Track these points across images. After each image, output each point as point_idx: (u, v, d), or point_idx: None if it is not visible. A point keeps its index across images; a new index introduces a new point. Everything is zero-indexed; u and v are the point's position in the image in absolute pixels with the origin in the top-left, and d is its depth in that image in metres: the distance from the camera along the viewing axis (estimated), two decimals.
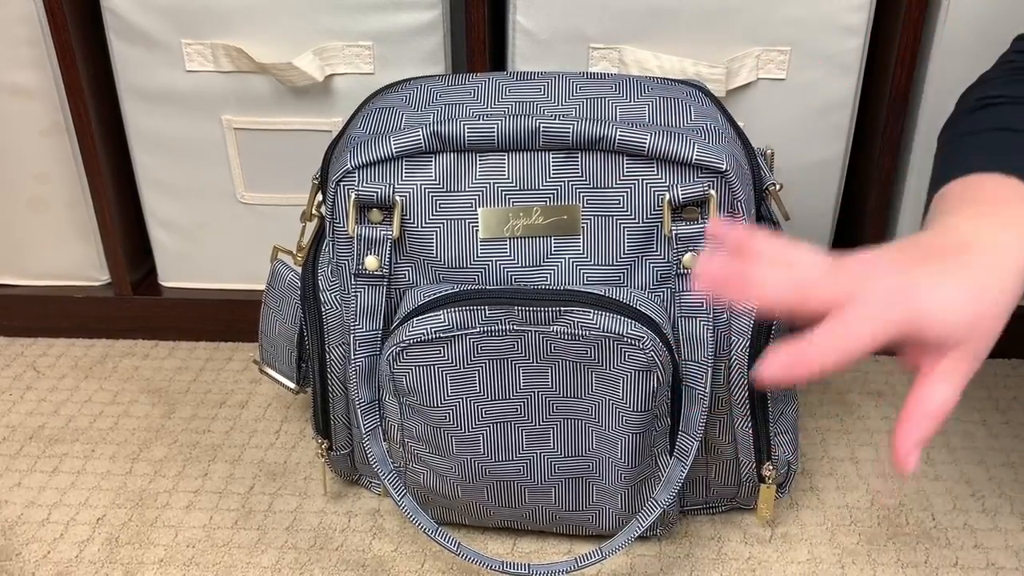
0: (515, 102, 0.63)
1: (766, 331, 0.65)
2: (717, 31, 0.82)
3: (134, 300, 0.98)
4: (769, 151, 0.71)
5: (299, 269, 0.71)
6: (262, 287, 0.78)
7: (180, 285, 0.99)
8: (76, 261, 0.99)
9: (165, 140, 0.91)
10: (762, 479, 0.70)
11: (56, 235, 0.97)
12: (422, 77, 0.70)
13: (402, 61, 0.85)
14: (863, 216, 0.92)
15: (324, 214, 0.66)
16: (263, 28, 0.84)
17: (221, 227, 0.95)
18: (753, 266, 0.46)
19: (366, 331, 0.65)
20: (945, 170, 0.56)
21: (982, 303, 0.45)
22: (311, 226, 0.71)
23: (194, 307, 0.98)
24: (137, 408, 0.89)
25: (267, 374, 0.80)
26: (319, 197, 0.69)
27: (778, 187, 0.66)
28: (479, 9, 0.83)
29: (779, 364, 0.43)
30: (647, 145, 0.60)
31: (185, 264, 0.98)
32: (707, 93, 0.67)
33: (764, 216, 0.68)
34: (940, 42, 0.83)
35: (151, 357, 0.97)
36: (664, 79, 0.67)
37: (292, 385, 0.78)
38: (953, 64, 0.83)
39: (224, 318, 0.98)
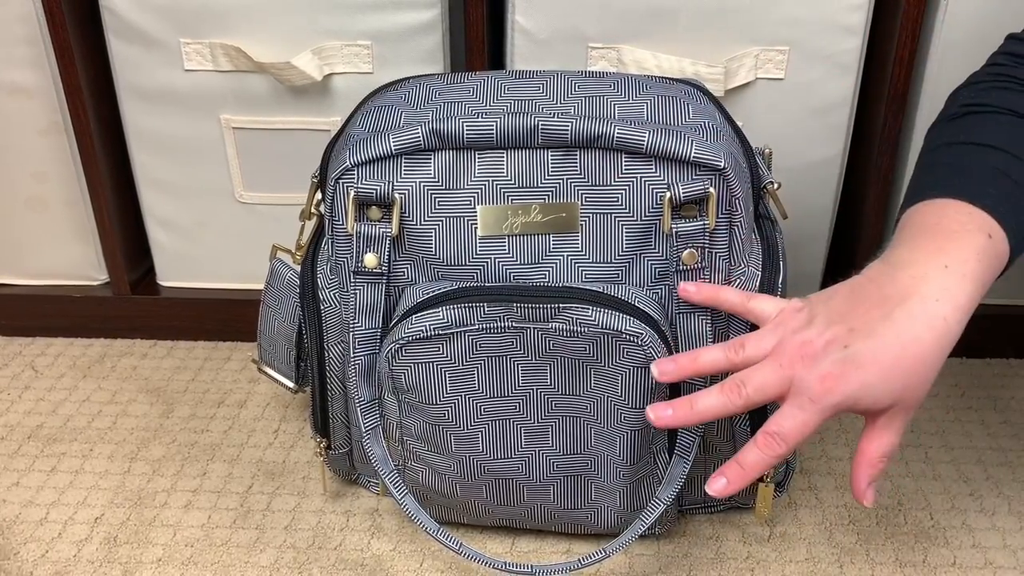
0: (513, 100, 0.63)
1: None
2: (716, 31, 0.82)
3: (132, 300, 0.98)
4: (768, 150, 0.71)
5: (298, 268, 0.71)
6: (261, 286, 0.78)
7: (179, 284, 0.99)
8: (74, 260, 0.99)
9: (164, 139, 0.90)
10: (760, 478, 0.70)
11: (54, 234, 0.97)
12: (421, 76, 0.70)
13: (401, 60, 0.85)
14: (861, 215, 0.92)
15: (323, 212, 0.66)
16: (262, 27, 0.84)
17: (220, 226, 0.95)
18: (696, 397, 0.56)
19: (365, 329, 0.65)
20: (918, 187, 0.60)
21: (907, 373, 0.52)
22: (310, 224, 0.71)
23: (192, 306, 0.98)
24: (135, 407, 0.89)
25: (265, 373, 0.80)
26: (318, 195, 0.69)
27: (776, 186, 0.66)
28: (477, 8, 0.84)
29: (723, 477, 0.55)
30: (646, 143, 0.60)
31: (184, 263, 0.98)
32: (705, 92, 0.67)
33: (762, 215, 0.68)
34: (939, 41, 0.83)
35: (149, 356, 0.97)
36: (662, 78, 0.67)
37: (291, 384, 0.78)
38: (951, 63, 0.83)
39: (222, 317, 0.97)
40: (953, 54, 0.83)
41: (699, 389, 0.58)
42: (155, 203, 0.94)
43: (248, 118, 0.88)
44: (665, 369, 0.58)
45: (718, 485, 0.55)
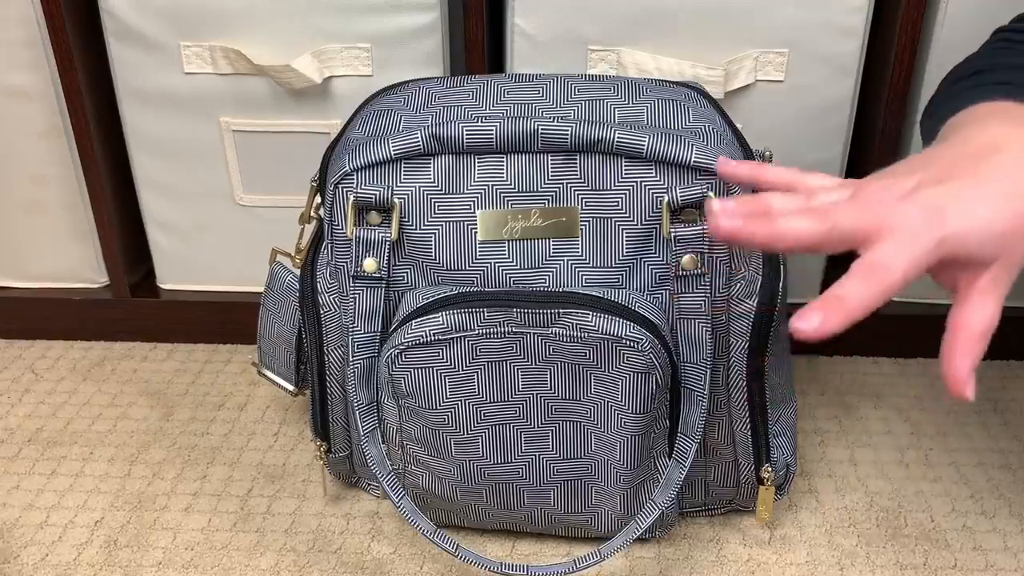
0: (513, 104, 0.63)
1: (764, 333, 0.65)
2: (715, 33, 0.82)
3: (132, 302, 0.98)
4: (768, 153, 0.71)
5: (297, 271, 0.71)
6: (260, 289, 0.78)
7: (178, 287, 0.99)
8: (74, 263, 0.98)
9: (163, 142, 0.90)
10: (761, 481, 0.70)
11: (54, 237, 0.97)
12: (420, 79, 0.70)
13: (400, 63, 0.85)
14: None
15: (322, 216, 0.65)
16: (261, 30, 0.84)
17: (219, 229, 0.95)
18: (772, 202, 0.44)
19: (364, 333, 0.65)
20: (950, 107, 0.53)
21: (1013, 213, 0.43)
22: (309, 228, 0.71)
23: (192, 309, 0.98)
24: (135, 410, 0.89)
25: (265, 376, 0.80)
26: (317, 199, 0.68)
27: None
28: (477, 11, 0.83)
29: (818, 313, 0.41)
30: (645, 147, 0.60)
31: (183, 266, 0.97)
32: (705, 95, 0.67)
33: None
34: (938, 43, 0.83)
35: (149, 359, 0.97)
36: (662, 81, 0.67)
37: (290, 387, 0.78)
38: (951, 65, 0.83)
39: (222, 320, 0.97)
40: (952, 55, 0.82)
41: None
42: (155, 206, 0.94)
43: (248, 121, 0.88)
44: (732, 170, 0.48)
45: (811, 322, 0.40)
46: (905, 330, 0.94)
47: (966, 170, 0.44)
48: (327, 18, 0.83)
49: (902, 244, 0.42)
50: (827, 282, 0.97)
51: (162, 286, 0.99)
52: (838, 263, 0.97)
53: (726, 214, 0.43)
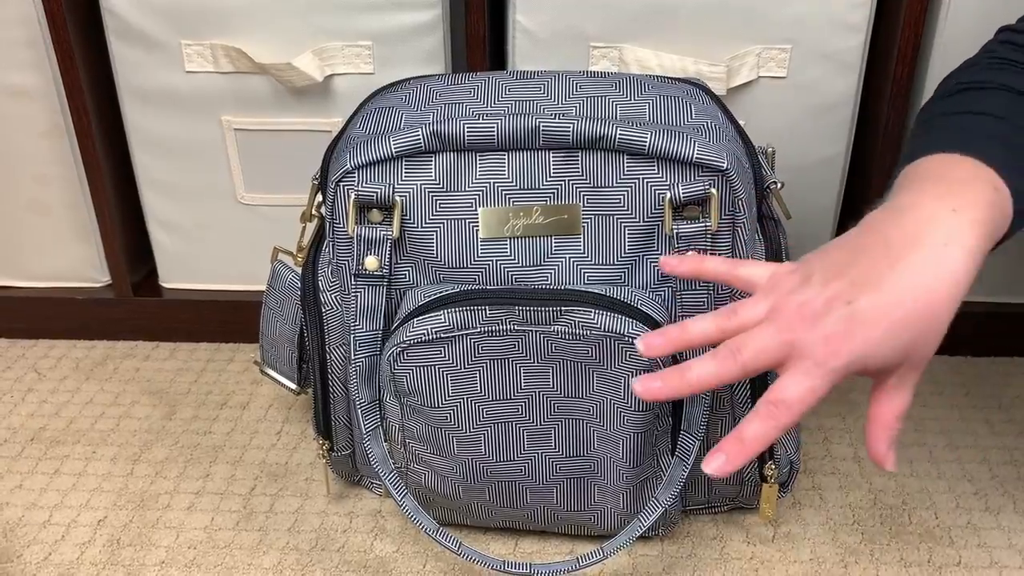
0: (515, 101, 0.63)
1: None
2: (717, 29, 0.81)
3: (135, 301, 0.98)
4: (770, 149, 0.71)
5: (299, 270, 0.71)
6: (262, 288, 0.78)
7: (181, 286, 0.99)
8: (76, 263, 0.98)
9: (165, 141, 0.90)
10: (764, 478, 0.70)
11: (56, 237, 0.97)
12: (421, 77, 0.69)
13: (402, 61, 0.85)
14: (865, 215, 0.92)
15: (324, 214, 0.65)
16: (262, 28, 0.84)
17: (221, 228, 0.95)
18: (690, 350, 0.51)
19: (366, 331, 0.65)
20: (914, 148, 0.56)
21: (916, 331, 0.47)
22: (311, 227, 0.71)
23: (195, 308, 0.97)
24: (138, 409, 0.89)
25: (268, 375, 0.80)
26: (319, 198, 0.68)
27: (779, 186, 0.66)
28: (479, 8, 0.83)
29: (721, 454, 0.48)
30: (648, 144, 0.60)
31: (185, 265, 0.97)
32: (707, 92, 0.67)
33: (765, 215, 0.67)
34: (942, 37, 0.82)
35: (152, 359, 0.97)
36: (664, 77, 0.67)
37: (293, 386, 0.78)
38: (954, 60, 0.81)
39: (225, 319, 0.97)
40: (956, 50, 0.82)
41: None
42: (156, 205, 0.94)
43: (249, 119, 0.88)
44: (652, 343, 0.52)
45: (716, 463, 0.47)
46: None
47: (880, 278, 0.47)
48: (328, 16, 0.83)
49: (804, 376, 0.47)
50: None
51: (164, 285, 0.99)
52: None
53: (642, 381, 0.50)
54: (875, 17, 0.82)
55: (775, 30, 0.81)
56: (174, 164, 0.91)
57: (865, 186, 0.92)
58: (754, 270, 0.53)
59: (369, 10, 0.83)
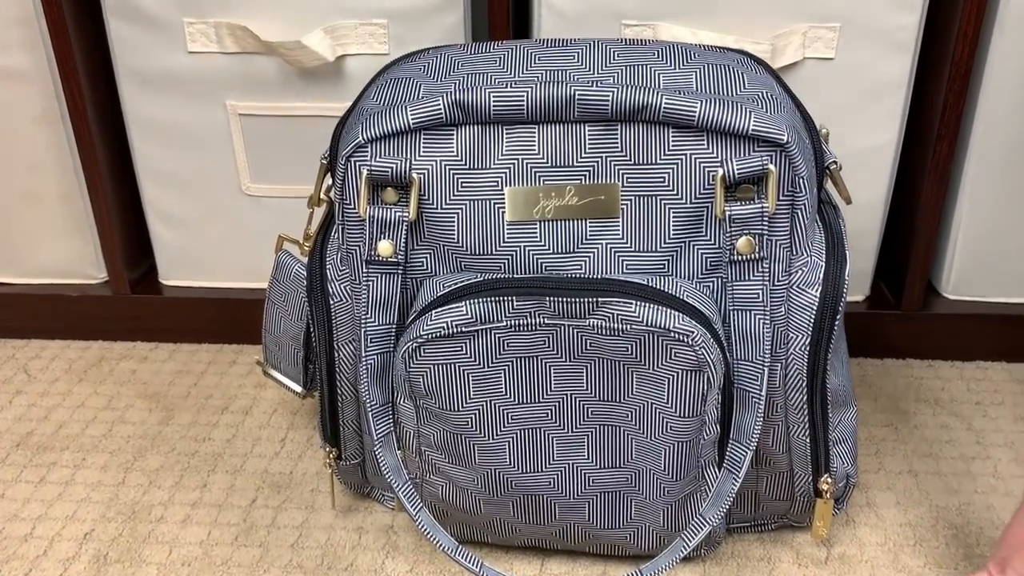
0: (546, 69, 0.58)
1: (828, 327, 0.59)
2: (760, 6, 0.78)
3: (133, 299, 0.96)
4: (824, 131, 0.65)
5: (306, 259, 0.66)
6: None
7: (182, 283, 0.97)
8: (71, 258, 0.96)
9: (166, 127, 0.88)
10: (819, 493, 0.65)
11: (50, 230, 0.95)
12: (442, 46, 0.65)
13: (419, 40, 0.82)
14: (916, 209, 0.87)
15: (333, 197, 0.60)
16: (270, 5, 0.81)
17: (225, 221, 0.92)
18: None
19: (378, 325, 0.61)
20: None
21: None
22: (319, 212, 0.67)
23: (196, 306, 0.95)
24: (133, 414, 0.86)
25: (271, 377, 0.77)
26: (328, 180, 0.64)
27: (839, 166, 0.60)
28: None
29: None
30: (697, 114, 0.55)
31: (187, 261, 0.95)
32: (759, 61, 0.62)
33: (823, 199, 0.62)
34: (1006, 14, 0.78)
35: (150, 360, 0.94)
36: (710, 46, 0.62)
37: (298, 389, 0.75)
38: (1019, 39, 0.78)
39: (228, 319, 0.95)
40: (1023, 28, 0.77)
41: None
42: (157, 196, 0.92)
43: (255, 104, 0.86)
44: None
45: None
46: (962, 331, 0.88)
47: None
48: None
49: None
50: (875, 283, 0.92)
51: (164, 282, 0.97)
52: (889, 264, 0.91)
53: None
54: None
55: (822, 6, 0.78)
56: (175, 152, 0.89)
57: (918, 178, 0.87)
58: None
59: None
